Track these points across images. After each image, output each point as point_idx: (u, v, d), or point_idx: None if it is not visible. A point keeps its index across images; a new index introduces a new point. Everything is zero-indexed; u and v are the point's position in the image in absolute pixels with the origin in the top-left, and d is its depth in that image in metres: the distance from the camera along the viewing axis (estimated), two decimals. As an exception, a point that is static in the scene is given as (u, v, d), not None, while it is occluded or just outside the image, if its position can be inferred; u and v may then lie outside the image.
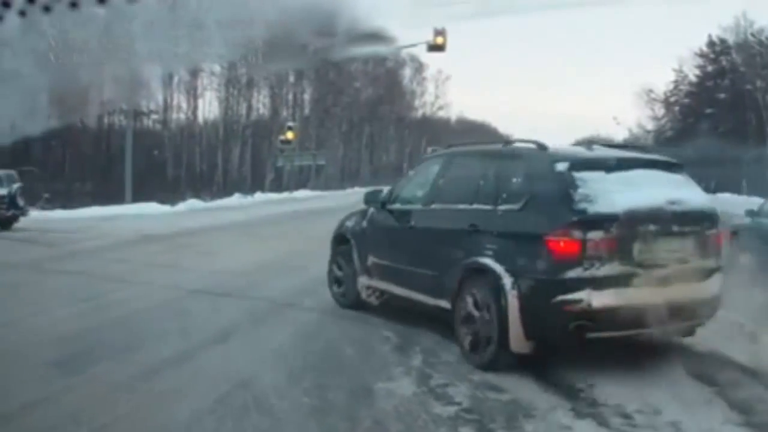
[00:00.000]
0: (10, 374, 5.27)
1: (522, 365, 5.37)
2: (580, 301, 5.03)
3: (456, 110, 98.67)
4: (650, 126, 63.85)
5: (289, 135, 32.24)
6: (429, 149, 60.87)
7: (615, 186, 5.32)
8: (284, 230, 17.74)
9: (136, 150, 30.19)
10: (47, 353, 5.79)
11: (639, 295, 5.11)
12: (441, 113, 71.46)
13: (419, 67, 64.38)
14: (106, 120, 34.59)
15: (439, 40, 25.04)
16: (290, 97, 50.64)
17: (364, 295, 7.30)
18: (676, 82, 59.59)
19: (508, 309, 5.24)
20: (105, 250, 12.97)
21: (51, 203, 25.93)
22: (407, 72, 64.68)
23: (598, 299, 5.04)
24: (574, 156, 5.75)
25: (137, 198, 26.44)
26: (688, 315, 5.46)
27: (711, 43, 54.81)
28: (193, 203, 27.72)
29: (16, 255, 12.49)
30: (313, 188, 42.44)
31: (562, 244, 5.12)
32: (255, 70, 39.01)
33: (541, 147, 5.83)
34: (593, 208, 5.15)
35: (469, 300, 5.64)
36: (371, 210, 7.48)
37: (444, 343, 6.25)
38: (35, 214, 20.18)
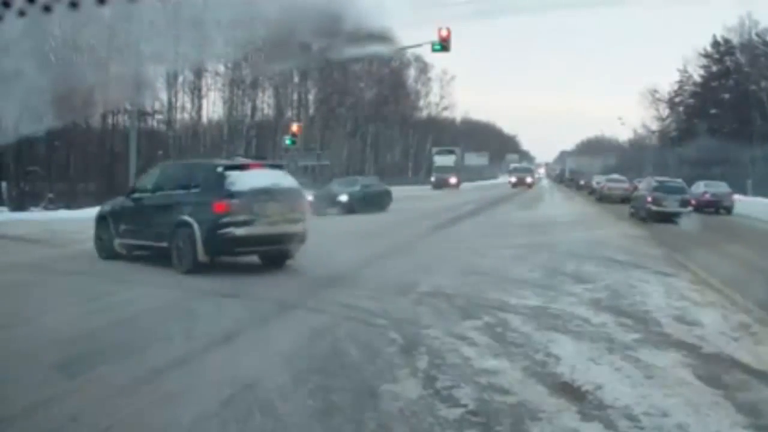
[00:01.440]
0: (13, 376, 5.25)
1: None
2: (230, 232, 9.99)
3: (461, 110, 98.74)
4: (655, 126, 63.82)
5: (294, 128, 32.13)
6: (434, 150, 60.87)
7: (246, 178, 10.34)
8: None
9: (141, 150, 30.13)
10: (51, 354, 5.77)
11: (258, 230, 10.14)
12: (446, 113, 71.43)
13: (424, 68, 64.33)
14: (110, 120, 34.54)
15: (444, 39, 24.94)
16: (295, 97, 50.60)
17: (117, 249, 11.49)
18: (680, 82, 59.50)
19: (196, 240, 10.01)
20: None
21: (55, 203, 25.91)
22: (412, 72, 64.63)
23: (239, 231, 10.00)
24: (227, 164, 10.82)
25: (141, 198, 26.32)
26: (286, 242, 10.45)
27: (716, 44, 54.67)
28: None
29: (20, 255, 12.50)
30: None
31: (219, 205, 10.02)
32: (257, 69, 38.93)
33: (212, 161, 11.62)
34: (234, 188, 10.11)
35: (177, 238, 10.27)
36: (121, 198, 12.18)
37: (450, 345, 6.23)
38: (39, 215, 20.13)
